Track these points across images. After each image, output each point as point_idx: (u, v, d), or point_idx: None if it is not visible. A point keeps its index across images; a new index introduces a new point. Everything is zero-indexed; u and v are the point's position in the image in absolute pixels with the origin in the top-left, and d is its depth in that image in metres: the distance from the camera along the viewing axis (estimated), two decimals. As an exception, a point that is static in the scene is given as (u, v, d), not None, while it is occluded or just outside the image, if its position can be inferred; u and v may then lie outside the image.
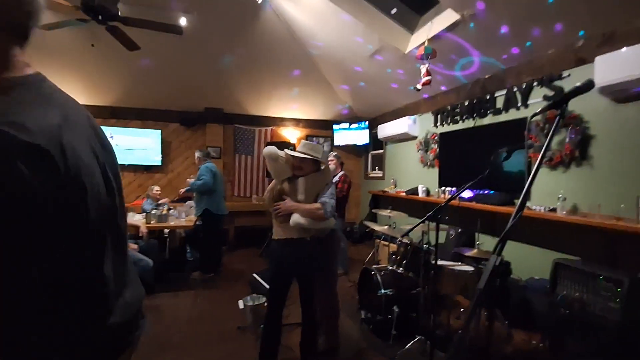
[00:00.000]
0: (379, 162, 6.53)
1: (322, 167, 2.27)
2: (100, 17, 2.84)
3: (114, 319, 0.73)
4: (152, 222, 4.10)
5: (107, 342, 0.73)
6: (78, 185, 0.63)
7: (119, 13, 2.95)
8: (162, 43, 4.36)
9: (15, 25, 0.67)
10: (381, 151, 6.33)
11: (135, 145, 5.91)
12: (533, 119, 3.20)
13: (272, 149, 2.17)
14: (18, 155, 0.54)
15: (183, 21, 4.19)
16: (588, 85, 1.02)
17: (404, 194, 4.95)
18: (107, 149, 0.78)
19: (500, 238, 0.86)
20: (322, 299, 2.58)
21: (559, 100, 1.03)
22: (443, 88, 4.51)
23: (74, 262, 0.65)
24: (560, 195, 2.78)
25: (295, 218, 2.07)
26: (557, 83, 3.02)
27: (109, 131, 5.80)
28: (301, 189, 2.18)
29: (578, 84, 1.04)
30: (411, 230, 2.15)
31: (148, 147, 5.97)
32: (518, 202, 0.95)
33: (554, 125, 1.02)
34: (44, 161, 0.57)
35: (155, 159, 6.01)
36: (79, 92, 5.35)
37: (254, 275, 3.99)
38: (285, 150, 2.24)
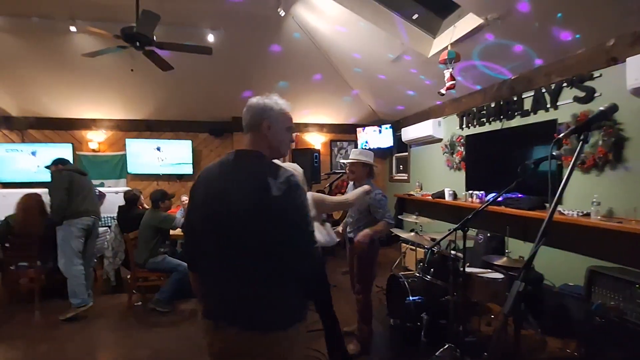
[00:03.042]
0: (404, 165, 6.51)
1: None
2: (138, 44, 3.07)
3: None
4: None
5: None
6: (193, 197, 1.28)
7: (155, 38, 3.17)
8: (191, 58, 4.59)
9: None
10: (406, 154, 6.32)
11: (169, 156, 6.23)
12: (563, 122, 3.12)
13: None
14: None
15: (211, 37, 4.40)
16: (612, 110, 1.06)
17: (430, 197, 4.93)
18: (230, 184, 1.19)
19: (525, 265, 0.91)
20: (357, 304, 2.72)
21: (582, 125, 1.06)
22: (468, 89, 4.45)
23: None
24: (594, 200, 2.71)
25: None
26: (588, 83, 2.94)
27: (155, 144, 6.18)
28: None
29: (602, 108, 1.07)
30: (439, 242, 2.19)
31: (181, 156, 6.28)
32: (544, 224, 0.99)
33: (578, 150, 1.05)
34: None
35: (187, 169, 6.31)
36: (118, 108, 5.74)
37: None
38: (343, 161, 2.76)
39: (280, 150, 1.30)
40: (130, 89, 5.32)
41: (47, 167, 3.66)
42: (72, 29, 4.04)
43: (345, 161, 2.83)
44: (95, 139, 6.12)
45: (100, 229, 4.62)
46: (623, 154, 2.67)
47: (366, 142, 6.73)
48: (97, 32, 2.98)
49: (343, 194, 3.44)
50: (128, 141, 6.13)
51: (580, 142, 1.05)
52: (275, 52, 4.91)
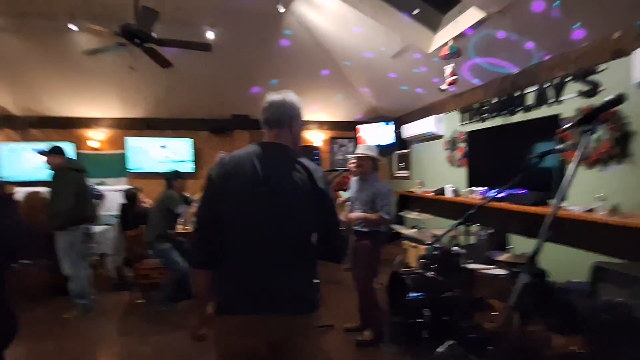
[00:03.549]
0: (405, 161, 6.48)
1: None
2: (137, 41, 3.05)
3: None
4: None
5: None
6: (220, 187, 1.27)
7: (154, 35, 3.15)
8: (190, 56, 4.57)
9: None
10: (407, 151, 6.28)
11: (170, 154, 6.22)
12: (566, 116, 3.08)
13: None
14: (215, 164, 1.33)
15: (210, 35, 4.37)
16: (619, 99, 1.02)
17: (432, 194, 4.90)
18: (277, 173, 1.28)
19: (530, 258, 0.89)
20: (363, 294, 2.92)
21: (588, 115, 1.03)
22: (470, 85, 4.41)
23: None
24: (599, 195, 2.67)
25: None
26: (592, 77, 2.90)
27: (158, 142, 6.17)
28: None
29: (608, 97, 1.04)
30: (441, 237, 2.16)
31: (182, 155, 6.27)
32: (549, 219, 0.97)
33: (585, 140, 1.02)
34: (217, 167, 1.32)
35: (189, 167, 6.30)
36: (117, 106, 5.73)
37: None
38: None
39: (297, 146, 1.42)
40: (130, 87, 5.30)
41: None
42: (72, 27, 4.03)
43: (352, 156, 2.97)
44: (96, 137, 6.11)
45: (102, 227, 4.63)
46: (629, 148, 2.63)
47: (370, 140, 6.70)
48: (96, 30, 2.97)
49: (345, 190, 3.46)
50: (129, 139, 6.12)
51: (587, 133, 1.01)
52: (275, 49, 4.88)
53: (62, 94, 5.46)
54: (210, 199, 1.27)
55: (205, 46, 3.42)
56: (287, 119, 1.36)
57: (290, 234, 1.23)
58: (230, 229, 1.23)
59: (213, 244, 1.24)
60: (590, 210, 2.75)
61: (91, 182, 5.28)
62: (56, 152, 3.41)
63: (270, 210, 1.21)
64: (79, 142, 6.05)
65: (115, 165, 6.14)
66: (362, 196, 2.93)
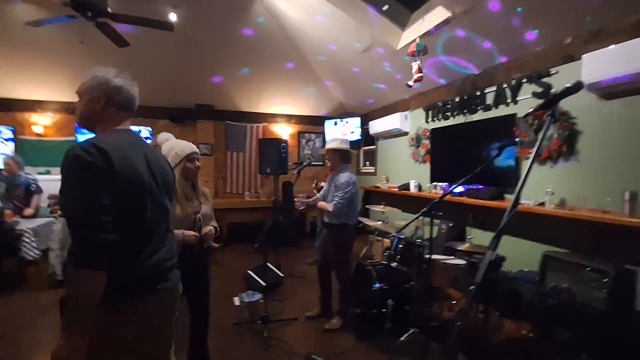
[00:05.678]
0: (371, 157, 6.57)
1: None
2: (89, 14, 2.79)
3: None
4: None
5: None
6: (126, 175, 1.13)
7: (109, 9, 2.90)
8: (151, 39, 4.30)
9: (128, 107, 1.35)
10: (373, 147, 6.38)
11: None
12: (521, 116, 3.27)
13: None
14: (89, 151, 1.09)
15: (173, 17, 4.12)
16: (577, 86, 1.07)
17: (396, 189, 5.01)
18: (158, 164, 1.34)
19: (496, 234, 0.90)
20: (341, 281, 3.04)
21: (549, 101, 1.06)
22: (434, 84, 4.55)
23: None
24: (548, 190, 2.86)
25: None
26: (546, 80, 3.09)
27: None
28: None
29: (568, 85, 1.08)
30: (406, 226, 2.19)
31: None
32: (512, 198, 0.99)
33: (546, 124, 1.06)
34: (104, 155, 1.09)
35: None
36: (66, 88, 5.24)
37: (249, 271, 4.01)
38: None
39: None
40: (81, 68, 4.77)
41: None
42: (13, -4, 3.62)
43: (322, 150, 3.17)
44: (41, 122, 5.57)
45: (46, 219, 4.25)
46: (576, 147, 2.83)
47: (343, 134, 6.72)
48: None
49: (321, 189, 3.45)
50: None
51: (549, 118, 1.05)
52: (243, 36, 4.72)
53: (0, 73, 4.91)
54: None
55: (167, 25, 3.20)
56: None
57: None
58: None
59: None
60: (541, 204, 2.93)
61: (34, 171, 4.86)
62: None
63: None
64: (20, 127, 5.48)
65: (63, 153, 5.62)
66: (330, 188, 2.97)
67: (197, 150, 2.04)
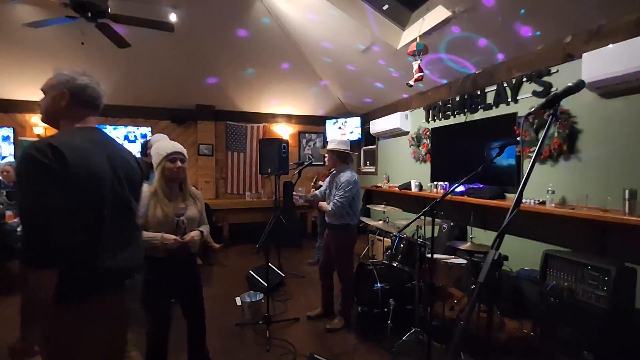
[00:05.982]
0: (372, 157, 6.58)
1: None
2: (89, 15, 2.79)
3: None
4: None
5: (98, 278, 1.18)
6: (81, 176, 1.12)
7: (109, 10, 2.90)
8: (151, 39, 4.30)
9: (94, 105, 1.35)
10: (373, 146, 6.38)
11: (126, 144, 5.83)
12: (522, 115, 3.27)
13: None
14: (44, 151, 1.06)
15: (173, 17, 4.13)
16: (579, 85, 1.07)
17: (397, 189, 5.01)
18: (122, 162, 1.35)
19: (499, 233, 0.90)
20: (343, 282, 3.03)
21: (551, 100, 1.06)
22: (434, 83, 4.55)
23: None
24: (549, 188, 2.86)
25: None
26: (546, 79, 3.09)
27: (114, 131, 5.75)
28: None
29: (570, 83, 1.08)
30: (408, 225, 2.19)
31: (139, 144, 5.90)
32: (515, 197, 1.00)
33: (548, 123, 1.06)
34: (58, 156, 1.07)
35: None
36: (67, 90, 5.23)
37: (250, 272, 4.01)
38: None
39: None
40: (82, 68, 4.87)
41: None
42: (13, -3, 3.62)
43: (323, 151, 3.19)
44: (41, 123, 5.57)
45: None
46: (576, 146, 2.84)
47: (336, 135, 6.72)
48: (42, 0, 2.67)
49: (320, 187, 3.47)
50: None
51: (550, 117, 1.05)
52: (243, 37, 4.73)
53: (1, 74, 4.91)
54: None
55: (167, 26, 3.21)
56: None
57: None
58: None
59: None
60: (542, 203, 2.93)
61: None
62: None
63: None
64: (20, 128, 5.49)
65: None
66: (331, 188, 2.99)
67: (182, 151, 1.95)
